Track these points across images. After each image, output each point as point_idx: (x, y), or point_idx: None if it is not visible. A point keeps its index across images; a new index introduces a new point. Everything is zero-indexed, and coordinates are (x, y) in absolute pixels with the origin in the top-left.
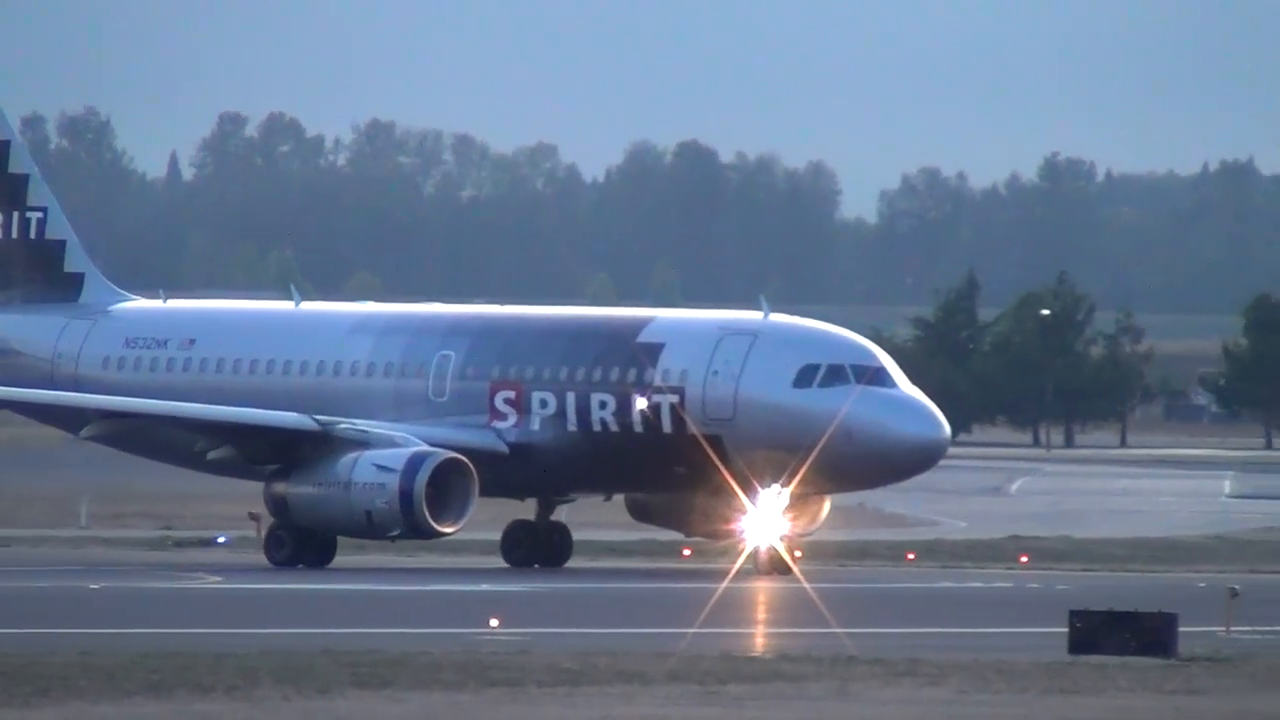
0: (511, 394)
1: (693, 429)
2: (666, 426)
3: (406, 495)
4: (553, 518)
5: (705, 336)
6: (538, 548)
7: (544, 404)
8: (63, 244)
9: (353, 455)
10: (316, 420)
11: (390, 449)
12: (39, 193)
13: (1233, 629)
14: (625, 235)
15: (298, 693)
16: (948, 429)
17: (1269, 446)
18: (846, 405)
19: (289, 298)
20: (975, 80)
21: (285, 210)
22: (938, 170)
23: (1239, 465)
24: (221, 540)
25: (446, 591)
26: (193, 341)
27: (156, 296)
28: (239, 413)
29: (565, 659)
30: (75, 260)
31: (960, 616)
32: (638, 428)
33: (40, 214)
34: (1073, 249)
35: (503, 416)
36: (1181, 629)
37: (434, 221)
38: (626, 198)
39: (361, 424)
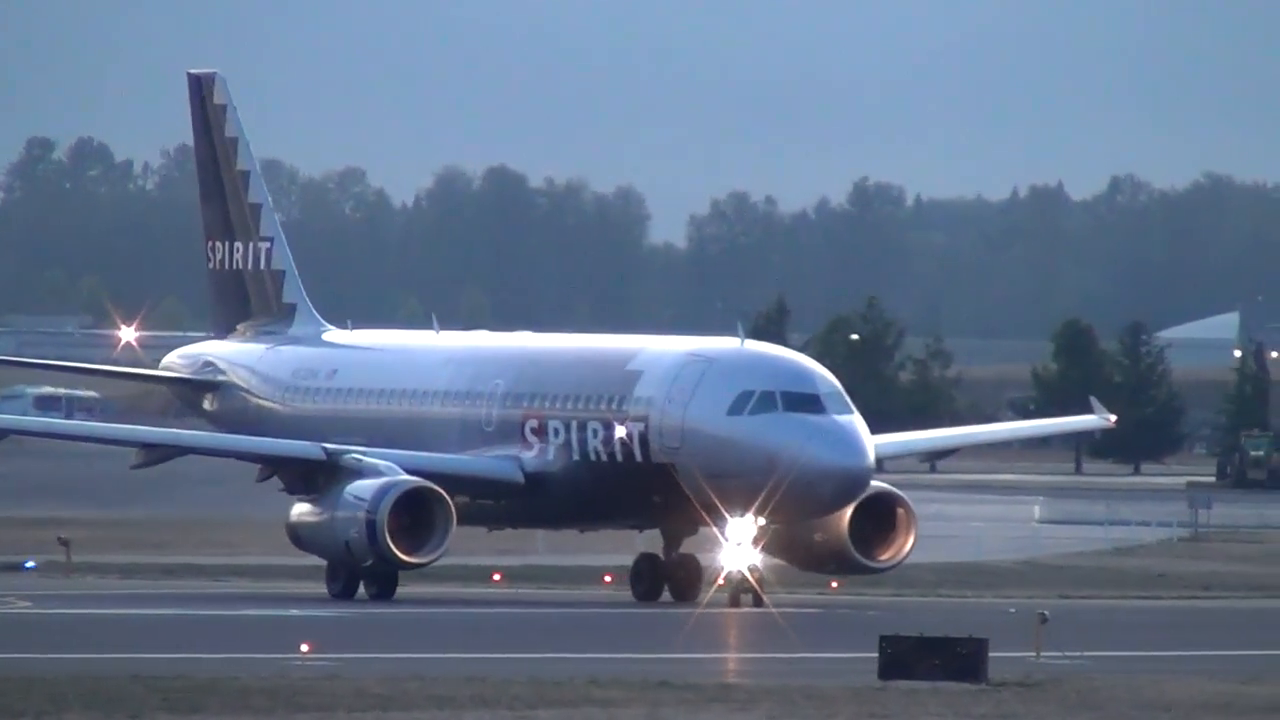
0: (535, 423)
1: (655, 458)
2: (637, 455)
3: (371, 525)
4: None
5: (672, 365)
6: (665, 581)
7: (556, 433)
8: (283, 274)
9: (342, 485)
10: (324, 449)
11: (372, 479)
12: (269, 223)
13: (1043, 654)
14: (435, 259)
15: (107, 718)
16: (870, 459)
17: (1079, 471)
18: (769, 432)
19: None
20: (784, 105)
21: (94, 235)
22: (747, 195)
23: (1048, 490)
24: (30, 565)
25: (258, 617)
26: (335, 372)
27: (344, 326)
28: (253, 442)
29: (375, 684)
30: (291, 290)
31: (770, 641)
32: (619, 457)
33: (268, 244)
34: (882, 274)
35: (529, 446)
36: (992, 654)
37: None
38: (436, 222)
39: (373, 453)
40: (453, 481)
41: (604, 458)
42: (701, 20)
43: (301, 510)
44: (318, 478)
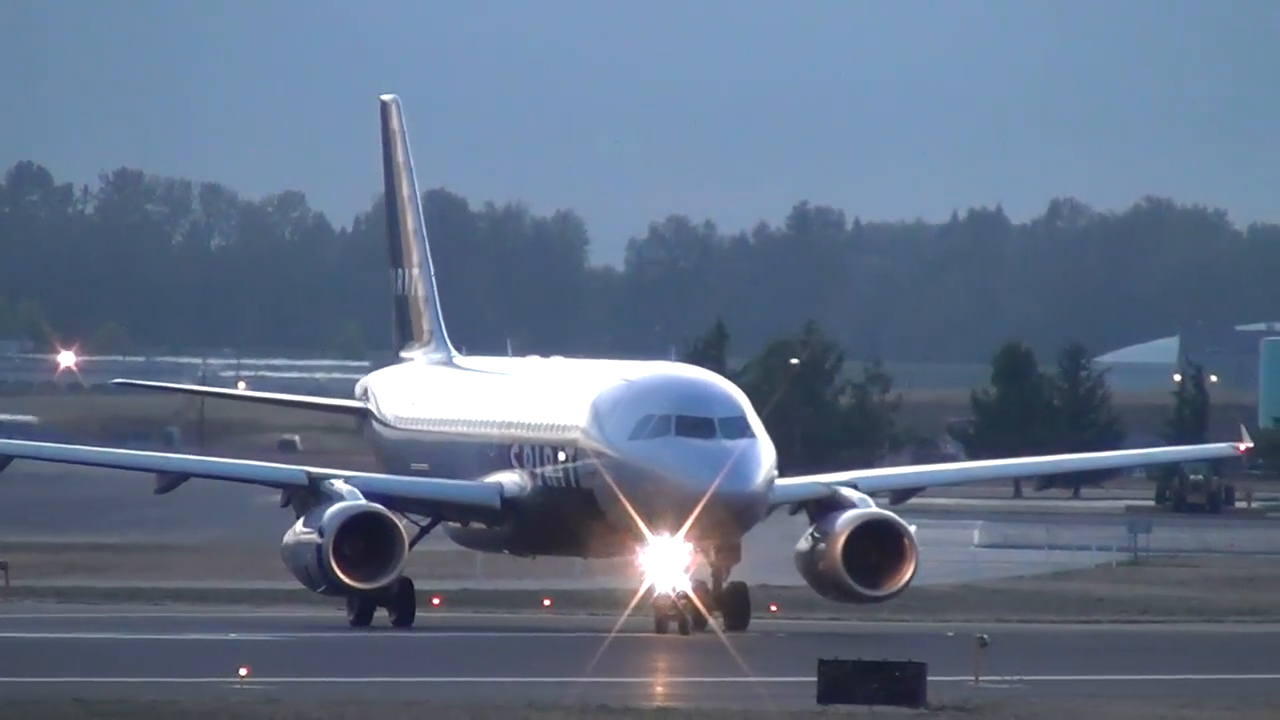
0: (518, 449)
1: (582, 483)
2: (571, 481)
3: (320, 550)
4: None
5: (602, 389)
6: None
7: (528, 459)
8: (427, 300)
9: (317, 510)
10: (307, 474)
11: (333, 505)
12: (420, 249)
13: (982, 678)
14: (374, 284)
15: None
16: (755, 483)
17: (1017, 495)
18: (658, 456)
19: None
20: (723, 129)
21: (33, 259)
22: (686, 219)
23: (988, 514)
24: None
25: (198, 641)
26: (415, 401)
27: (459, 351)
28: (238, 466)
29: (314, 708)
30: (431, 316)
31: (709, 665)
32: (561, 483)
33: (417, 270)
34: (821, 297)
35: (513, 472)
36: (930, 678)
37: (183, 270)
38: (375, 246)
39: (356, 479)
40: (434, 506)
41: (553, 484)
42: (641, 45)
43: (288, 534)
44: (307, 502)
